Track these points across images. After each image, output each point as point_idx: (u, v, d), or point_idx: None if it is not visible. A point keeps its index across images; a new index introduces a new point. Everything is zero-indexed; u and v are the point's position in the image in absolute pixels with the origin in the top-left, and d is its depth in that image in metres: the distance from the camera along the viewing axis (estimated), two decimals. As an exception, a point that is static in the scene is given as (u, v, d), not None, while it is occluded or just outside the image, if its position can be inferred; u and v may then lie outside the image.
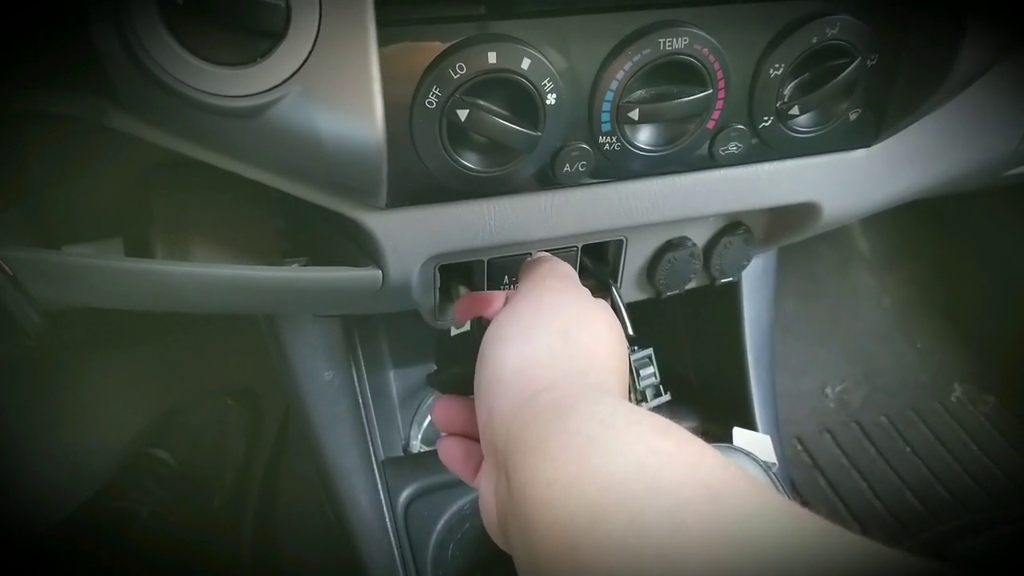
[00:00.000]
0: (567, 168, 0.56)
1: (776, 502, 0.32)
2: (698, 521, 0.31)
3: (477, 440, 0.52)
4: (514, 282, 0.66)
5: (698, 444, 0.37)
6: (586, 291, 0.51)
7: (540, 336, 0.45)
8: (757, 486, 0.33)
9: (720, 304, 0.94)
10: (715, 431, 0.93)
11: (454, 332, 0.65)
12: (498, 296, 0.54)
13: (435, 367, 0.67)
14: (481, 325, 0.53)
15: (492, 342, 0.46)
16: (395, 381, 0.94)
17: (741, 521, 0.31)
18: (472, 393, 0.55)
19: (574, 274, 0.54)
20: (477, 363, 0.47)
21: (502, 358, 0.45)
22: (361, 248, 0.57)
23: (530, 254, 0.64)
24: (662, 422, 0.38)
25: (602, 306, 0.50)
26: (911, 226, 1.52)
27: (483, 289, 0.66)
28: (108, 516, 1.05)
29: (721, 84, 0.55)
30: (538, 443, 0.39)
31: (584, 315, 0.48)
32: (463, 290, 0.67)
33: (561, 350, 0.45)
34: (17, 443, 1.13)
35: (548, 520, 0.35)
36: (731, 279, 0.76)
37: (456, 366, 0.58)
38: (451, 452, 0.53)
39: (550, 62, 0.50)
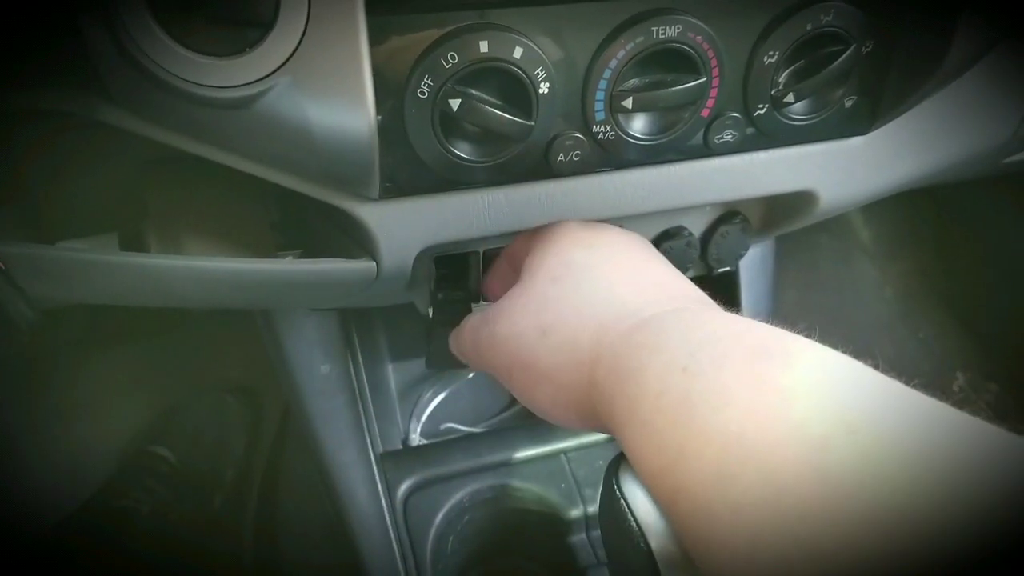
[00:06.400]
0: (561, 157, 0.55)
1: (937, 427, 0.28)
2: (843, 466, 0.27)
3: None
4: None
5: (818, 361, 0.33)
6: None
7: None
8: (903, 412, 0.29)
9: (718, 293, 0.93)
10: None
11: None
12: None
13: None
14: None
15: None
16: (393, 375, 0.94)
17: (895, 463, 0.26)
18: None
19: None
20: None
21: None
22: (355, 240, 0.57)
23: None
24: (755, 339, 0.35)
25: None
26: (912, 216, 1.52)
27: (477, 280, 0.65)
28: (109, 515, 1.05)
29: (715, 72, 0.55)
30: (629, 400, 0.37)
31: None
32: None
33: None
34: (17, 443, 1.14)
35: (671, 486, 0.33)
36: (729, 268, 0.76)
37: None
38: None
39: (543, 51, 0.50)
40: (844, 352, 0.35)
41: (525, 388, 0.48)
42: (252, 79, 0.44)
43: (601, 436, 0.86)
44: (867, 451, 0.27)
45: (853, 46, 0.57)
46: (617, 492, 0.47)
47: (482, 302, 0.67)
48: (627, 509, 0.46)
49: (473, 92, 0.50)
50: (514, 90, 0.51)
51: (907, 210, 1.50)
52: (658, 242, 0.70)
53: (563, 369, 0.44)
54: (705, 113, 0.57)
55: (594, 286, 0.48)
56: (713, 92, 0.56)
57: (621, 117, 0.55)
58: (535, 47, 0.50)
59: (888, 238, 1.53)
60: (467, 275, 0.66)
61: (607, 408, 0.40)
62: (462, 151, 0.53)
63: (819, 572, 0.26)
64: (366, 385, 0.85)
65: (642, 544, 0.44)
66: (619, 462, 0.49)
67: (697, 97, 0.55)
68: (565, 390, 0.44)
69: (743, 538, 0.29)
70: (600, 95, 0.54)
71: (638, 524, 0.45)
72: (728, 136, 0.59)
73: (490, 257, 0.64)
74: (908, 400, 0.30)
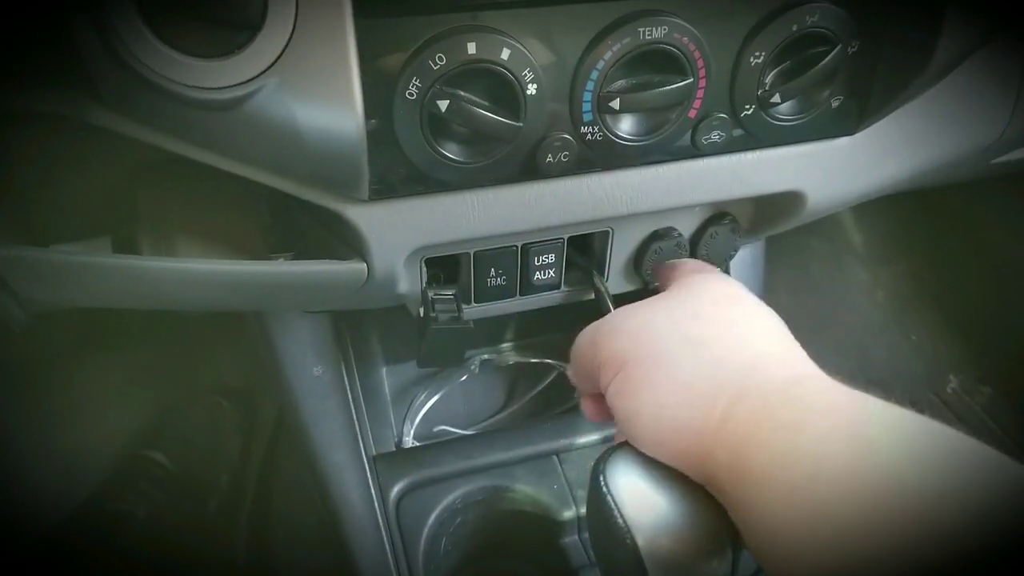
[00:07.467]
0: (550, 158, 0.56)
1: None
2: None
3: None
4: (501, 275, 0.66)
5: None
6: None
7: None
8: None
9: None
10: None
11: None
12: None
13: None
14: None
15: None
16: (387, 378, 0.94)
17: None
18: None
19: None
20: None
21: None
22: (345, 241, 0.58)
23: (516, 246, 0.65)
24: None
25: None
26: (904, 218, 1.52)
27: (468, 282, 0.66)
28: (104, 518, 1.06)
29: (702, 73, 0.56)
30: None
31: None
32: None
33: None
34: (11, 446, 1.13)
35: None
36: (719, 269, 0.76)
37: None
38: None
39: (530, 52, 0.51)
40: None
41: (642, 380, 0.49)
42: (240, 80, 0.44)
43: (593, 437, 0.86)
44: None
45: (839, 46, 0.57)
46: (604, 489, 0.47)
47: (474, 304, 0.68)
48: (613, 505, 0.46)
49: (461, 93, 0.50)
50: (502, 91, 0.52)
51: (898, 213, 1.50)
52: (648, 243, 0.70)
53: (704, 384, 0.46)
54: (692, 114, 0.58)
55: (750, 326, 0.51)
56: (700, 93, 0.57)
57: (609, 118, 0.55)
58: (522, 48, 0.50)
59: (879, 241, 1.54)
60: (458, 275, 0.66)
61: (737, 447, 0.42)
62: (451, 152, 0.53)
63: None
64: (359, 387, 0.85)
65: (628, 540, 0.45)
66: (606, 459, 0.50)
67: (684, 98, 0.56)
68: (701, 399, 0.45)
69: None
70: (588, 96, 0.54)
71: (624, 521, 0.46)
72: (715, 137, 0.60)
73: (480, 259, 0.64)
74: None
